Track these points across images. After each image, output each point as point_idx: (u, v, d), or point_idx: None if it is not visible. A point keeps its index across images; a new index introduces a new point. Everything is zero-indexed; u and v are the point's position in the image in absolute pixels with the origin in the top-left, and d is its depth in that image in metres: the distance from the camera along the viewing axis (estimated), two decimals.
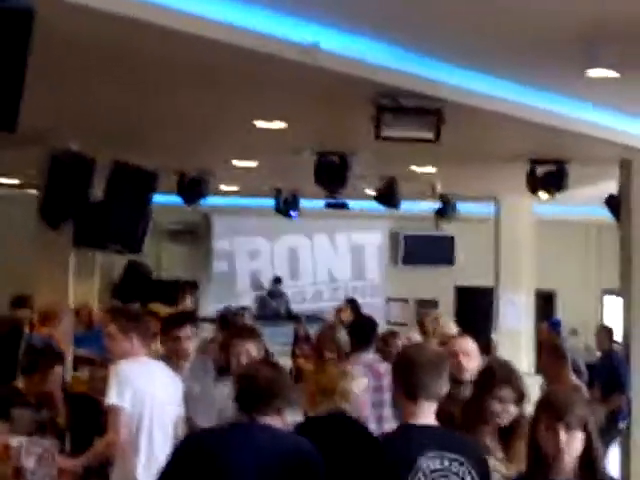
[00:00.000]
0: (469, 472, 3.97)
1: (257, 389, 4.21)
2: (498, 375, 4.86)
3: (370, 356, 7.02)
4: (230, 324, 9.23)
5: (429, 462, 3.89)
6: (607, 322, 17.61)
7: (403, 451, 3.91)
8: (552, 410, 3.90)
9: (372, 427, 6.23)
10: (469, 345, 5.81)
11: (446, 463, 3.93)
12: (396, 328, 12.45)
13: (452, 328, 13.15)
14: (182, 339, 6.31)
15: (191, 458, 4.12)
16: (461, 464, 3.96)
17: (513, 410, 4.79)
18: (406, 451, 3.90)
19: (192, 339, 6.43)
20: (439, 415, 4.09)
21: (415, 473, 3.85)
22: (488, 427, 4.76)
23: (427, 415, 4.03)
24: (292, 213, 15.03)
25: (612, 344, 10.66)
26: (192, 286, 15.38)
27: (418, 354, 4.16)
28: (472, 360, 5.69)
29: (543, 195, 11.16)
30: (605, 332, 10.77)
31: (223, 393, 5.78)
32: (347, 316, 12.57)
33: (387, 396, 6.49)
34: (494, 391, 4.79)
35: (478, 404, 4.82)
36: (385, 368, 6.79)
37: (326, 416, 5.14)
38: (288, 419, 4.42)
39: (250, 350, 5.95)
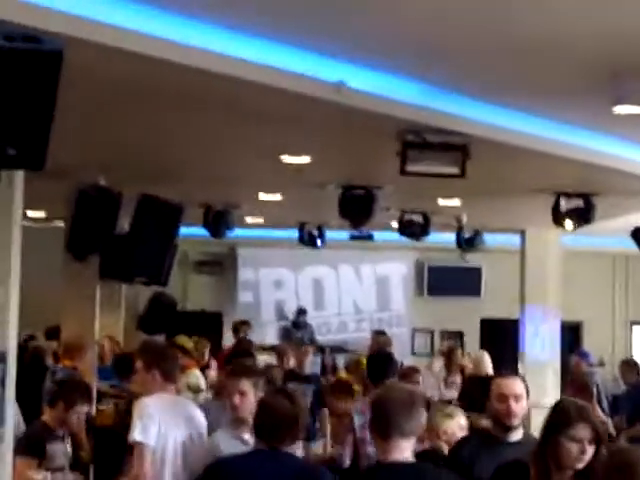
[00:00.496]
0: None
1: (276, 420, 4.39)
2: (572, 412, 4.33)
3: None
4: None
5: None
6: (634, 354, 17.56)
7: None
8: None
9: None
10: (519, 387, 5.27)
11: None
12: (420, 359, 12.43)
13: (488, 363, 13.05)
14: None
15: None
16: None
17: (591, 451, 4.28)
18: None
19: None
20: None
21: None
22: (564, 473, 4.28)
23: (401, 451, 4.04)
24: (318, 242, 15.01)
25: (638, 376, 10.57)
26: (243, 323, 15.40)
27: (390, 393, 4.21)
28: (522, 403, 5.20)
29: (569, 227, 11.13)
30: (629, 365, 10.69)
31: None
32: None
33: None
34: (569, 430, 4.28)
35: (552, 448, 4.29)
36: None
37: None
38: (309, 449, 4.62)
39: (244, 389, 5.58)
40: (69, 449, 6.49)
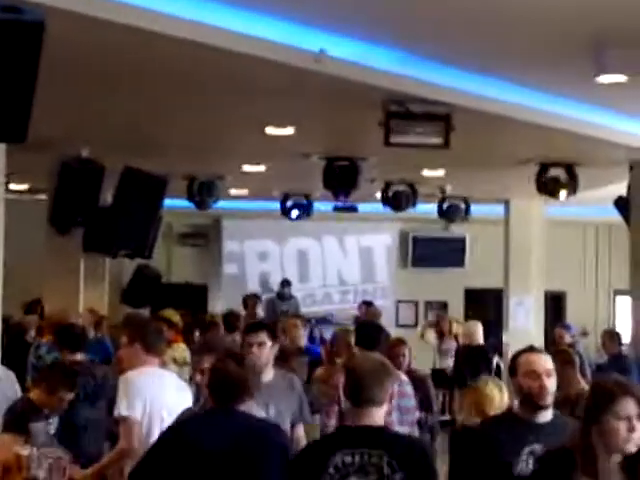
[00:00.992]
0: (389, 463, 4.07)
1: (227, 381, 4.62)
2: (613, 388, 3.98)
3: None
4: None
5: (345, 457, 4.10)
6: (618, 323, 17.67)
7: (318, 450, 4.25)
8: None
9: None
10: (549, 362, 4.82)
11: (365, 457, 4.08)
12: (404, 331, 12.50)
13: (480, 333, 13.20)
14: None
15: (170, 445, 4.55)
16: (380, 457, 4.08)
17: None
18: (322, 450, 4.19)
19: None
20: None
21: (326, 468, 4.09)
22: (612, 458, 3.92)
23: (372, 418, 4.19)
24: (292, 214, 14.90)
25: (620, 347, 10.64)
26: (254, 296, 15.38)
27: (363, 363, 4.35)
28: (553, 380, 4.77)
29: (553, 198, 11.17)
30: (610, 336, 10.75)
31: None
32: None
33: (393, 401, 6.45)
34: (613, 407, 3.91)
35: (597, 429, 3.94)
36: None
37: None
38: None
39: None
40: (53, 429, 6.45)
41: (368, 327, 7.72)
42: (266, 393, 5.61)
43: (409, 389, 7.01)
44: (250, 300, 14.77)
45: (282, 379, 6.15)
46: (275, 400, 5.88)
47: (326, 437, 4.98)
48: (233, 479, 4.44)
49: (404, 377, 7.08)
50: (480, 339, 14.06)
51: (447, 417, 13.94)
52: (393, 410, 6.57)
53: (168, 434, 4.74)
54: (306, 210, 14.74)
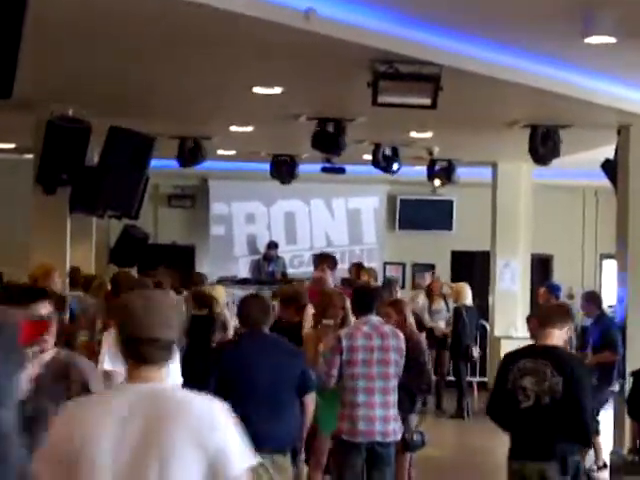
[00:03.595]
0: (551, 370, 5.97)
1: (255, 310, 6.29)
2: None
3: (375, 318, 7.18)
4: None
5: (525, 363, 6.00)
6: (604, 286, 17.76)
7: (510, 357, 6.21)
8: None
9: (377, 385, 6.90)
10: None
11: (537, 364, 5.97)
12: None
13: (469, 294, 13.56)
14: None
15: None
16: (546, 365, 5.97)
17: None
18: (512, 357, 6.19)
19: None
20: None
21: (513, 369, 6.02)
22: None
23: (546, 340, 6.15)
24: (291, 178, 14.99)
25: (601, 308, 10.73)
26: None
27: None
28: None
29: (540, 161, 11.19)
30: (589, 298, 10.83)
31: None
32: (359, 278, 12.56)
33: (391, 355, 6.99)
34: None
35: None
36: (388, 329, 7.14)
37: None
38: None
39: None
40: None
41: (364, 291, 7.75)
42: None
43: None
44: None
45: None
46: None
47: (516, 350, 6.31)
48: None
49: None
50: (468, 299, 14.28)
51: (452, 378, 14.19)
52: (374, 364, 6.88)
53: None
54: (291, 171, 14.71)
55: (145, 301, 3.09)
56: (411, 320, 8.45)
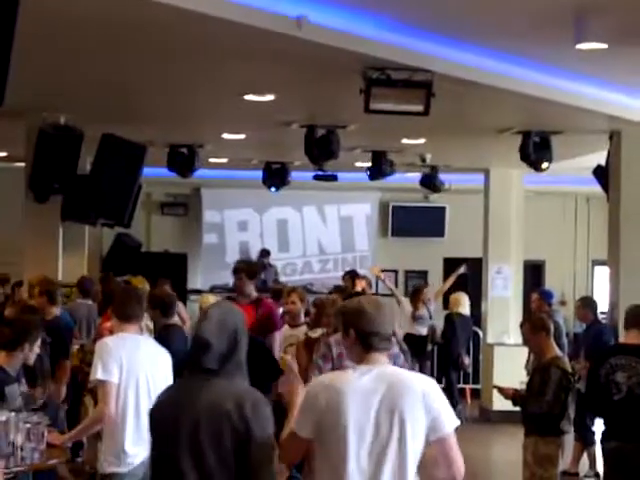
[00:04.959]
0: None
1: None
2: None
3: None
4: None
5: (617, 360, 6.86)
6: (596, 292, 17.76)
7: (603, 354, 7.22)
8: None
9: None
10: None
11: (628, 361, 6.86)
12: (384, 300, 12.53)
13: (466, 303, 13.61)
14: None
15: None
16: (637, 362, 6.91)
17: None
18: (605, 354, 7.10)
19: None
20: None
21: (605, 364, 6.85)
22: None
23: (634, 339, 6.88)
24: (273, 189, 14.94)
25: (595, 314, 10.69)
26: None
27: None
28: None
29: (537, 169, 11.23)
30: (585, 304, 10.79)
31: None
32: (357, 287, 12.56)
33: None
34: None
35: None
36: None
37: None
38: None
39: None
40: (24, 389, 6.45)
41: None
42: None
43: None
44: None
45: None
46: None
47: (605, 350, 7.18)
48: None
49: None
50: (466, 309, 14.31)
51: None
52: None
53: None
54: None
55: (374, 305, 4.09)
56: (397, 330, 8.41)
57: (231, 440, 3.73)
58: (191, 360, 3.92)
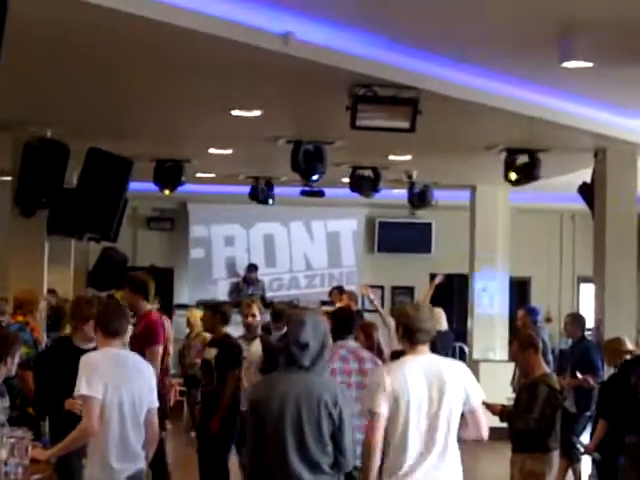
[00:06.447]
0: None
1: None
2: None
3: (352, 342, 7.23)
4: None
5: None
6: (581, 310, 17.79)
7: None
8: None
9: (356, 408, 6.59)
10: None
11: None
12: (371, 315, 12.56)
13: (444, 319, 13.56)
14: None
15: None
16: None
17: None
18: None
19: None
20: None
21: None
22: None
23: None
24: (269, 200, 15.03)
25: (583, 331, 10.70)
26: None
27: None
28: None
29: (517, 184, 11.26)
30: (574, 320, 10.80)
31: None
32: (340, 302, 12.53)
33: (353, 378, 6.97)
34: None
35: None
36: (365, 354, 7.16)
37: None
38: None
39: None
40: (7, 404, 6.41)
41: (343, 315, 7.74)
42: None
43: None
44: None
45: None
46: None
47: (634, 358, 7.88)
48: None
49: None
50: (443, 325, 14.24)
51: None
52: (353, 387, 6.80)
53: None
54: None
55: (415, 307, 5.36)
56: (384, 348, 8.45)
57: (328, 424, 4.84)
58: (288, 358, 4.90)
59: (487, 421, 5.27)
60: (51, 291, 11.78)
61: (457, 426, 5.14)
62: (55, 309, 10.93)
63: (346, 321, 7.33)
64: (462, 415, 5.20)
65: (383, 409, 5.03)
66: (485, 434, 5.25)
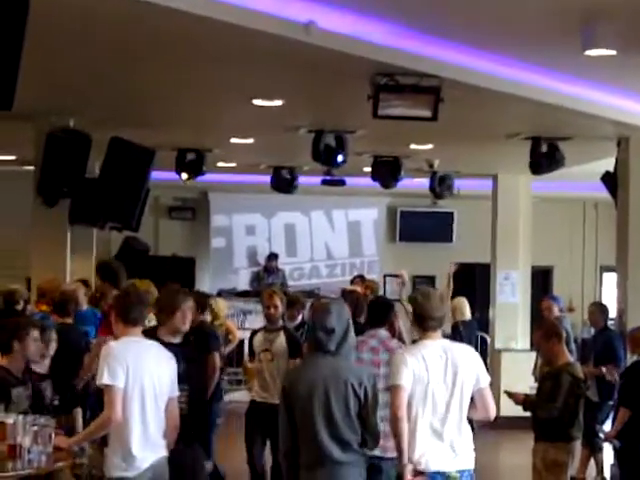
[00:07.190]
0: None
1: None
2: None
3: (383, 333, 7.18)
4: None
5: None
6: (604, 299, 17.72)
7: None
8: None
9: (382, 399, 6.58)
10: None
11: None
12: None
13: (467, 309, 13.51)
14: None
15: None
16: None
17: None
18: None
19: None
20: None
21: None
22: None
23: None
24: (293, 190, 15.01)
25: (606, 321, 10.66)
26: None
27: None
28: None
29: (539, 173, 11.21)
30: (599, 310, 10.75)
31: None
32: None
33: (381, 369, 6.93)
34: None
35: None
36: (395, 343, 7.12)
37: None
38: None
39: None
40: (29, 392, 6.46)
41: (378, 304, 7.70)
42: None
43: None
44: None
45: None
46: None
47: None
48: None
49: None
50: (467, 314, 14.21)
51: None
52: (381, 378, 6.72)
53: None
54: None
55: (425, 295, 5.55)
56: (405, 337, 8.36)
57: (354, 403, 5.23)
58: (316, 343, 5.33)
59: (493, 403, 5.52)
60: (82, 281, 11.78)
61: (468, 405, 5.43)
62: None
63: (382, 311, 7.29)
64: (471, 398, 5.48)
65: (405, 382, 5.31)
66: (492, 414, 5.51)
